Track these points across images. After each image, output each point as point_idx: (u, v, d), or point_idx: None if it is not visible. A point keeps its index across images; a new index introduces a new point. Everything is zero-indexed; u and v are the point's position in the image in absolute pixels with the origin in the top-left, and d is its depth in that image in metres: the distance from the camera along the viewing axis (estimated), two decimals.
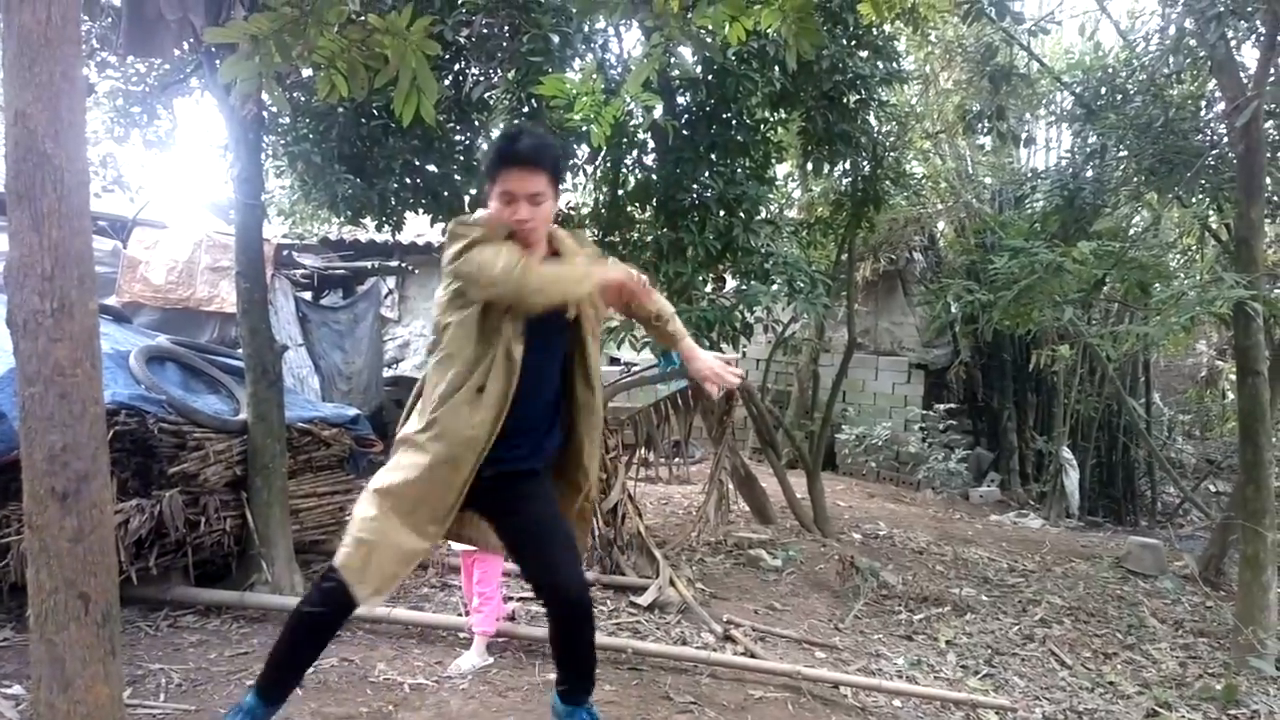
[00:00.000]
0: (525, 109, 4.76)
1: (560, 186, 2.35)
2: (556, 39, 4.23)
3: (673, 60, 4.61)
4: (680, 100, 4.90)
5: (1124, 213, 8.05)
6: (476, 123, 5.24)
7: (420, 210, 5.18)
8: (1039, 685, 3.94)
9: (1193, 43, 5.62)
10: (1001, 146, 8.62)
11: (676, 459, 6.65)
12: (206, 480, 3.63)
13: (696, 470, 7.71)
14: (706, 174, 4.73)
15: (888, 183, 6.14)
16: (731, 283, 5.26)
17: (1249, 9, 4.97)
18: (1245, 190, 4.93)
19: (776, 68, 4.74)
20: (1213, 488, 9.98)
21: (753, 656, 3.54)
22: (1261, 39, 5.05)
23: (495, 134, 6.00)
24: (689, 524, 5.70)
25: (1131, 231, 8.02)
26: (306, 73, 4.49)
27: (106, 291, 5.94)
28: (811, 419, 9.81)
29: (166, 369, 4.07)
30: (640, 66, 2.98)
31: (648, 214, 5.21)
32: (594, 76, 3.81)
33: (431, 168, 5.03)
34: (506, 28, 4.39)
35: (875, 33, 5.43)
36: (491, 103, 5.02)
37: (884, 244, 9.91)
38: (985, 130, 7.15)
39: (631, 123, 4.72)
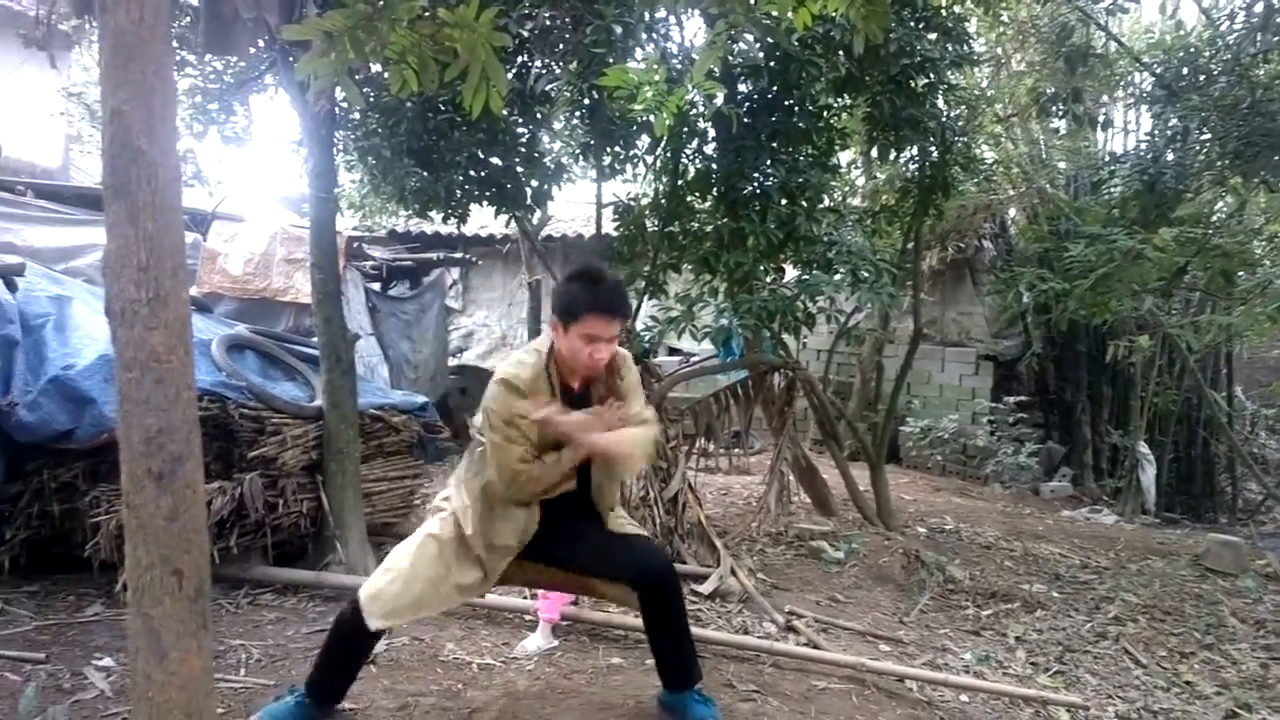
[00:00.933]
0: (587, 100, 4.78)
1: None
2: (619, 30, 4.24)
3: (735, 47, 4.58)
4: (742, 88, 4.86)
5: (1207, 198, 7.73)
6: (539, 115, 5.29)
7: (484, 203, 5.26)
8: (1112, 684, 3.84)
9: None
10: (1077, 130, 8.34)
11: (736, 449, 6.64)
12: (284, 464, 3.77)
13: (756, 461, 7.67)
14: (768, 162, 4.68)
15: (957, 169, 5.99)
16: (793, 272, 5.20)
17: None
18: None
19: (841, 52, 4.66)
20: None
21: (815, 648, 3.53)
22: None
23: (557, 127, 6.08)
24: (749, 514, 5.68)
25: (1215, 218, 7.70)
26: (375, 68, 4.60)
27: (188, 283, 6.17)
28: (875, 411, 9.66)
29: (246, 357, 4.23)
30: (704, 55, 2.96)
31: (708, 203, 5.18)
32: (656, 67, 3.80)
33: (496, 161, 5.10)
34: (569, 20, 4.42)
35: (945, 14, 5.29)
36: (554, 95, 5.06)
37: (952, 232, 9.68)
38: (1060, 113, 6.93)
39: (693, 112, 4.70)
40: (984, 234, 10.36)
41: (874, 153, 6.06)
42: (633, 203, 5.24)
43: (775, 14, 2.75)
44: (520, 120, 5.16)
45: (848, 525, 5.91)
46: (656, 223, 5.18)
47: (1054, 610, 4.75)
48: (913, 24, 5.08)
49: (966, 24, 5.81)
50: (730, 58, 4.58)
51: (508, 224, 7.26)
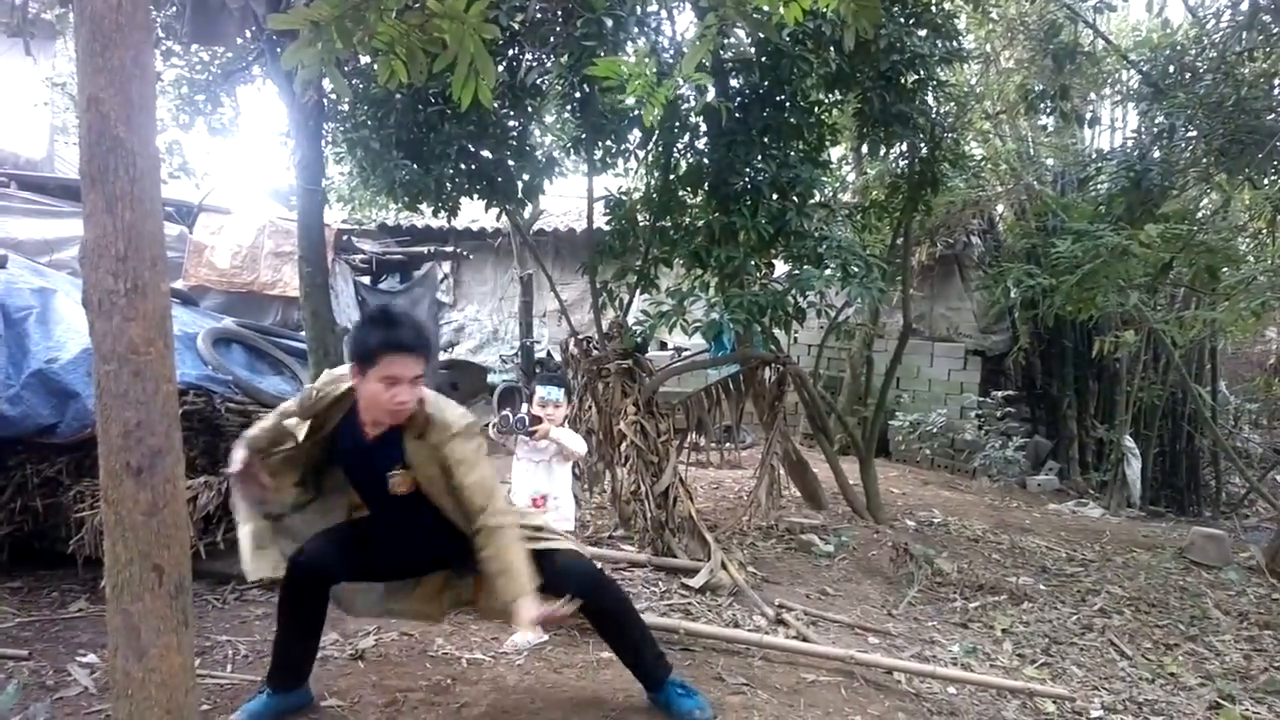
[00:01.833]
0: (578, 94, 4.76)
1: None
2: (610, 23, 4.21)
3: (726, 42, 4.56)
4: (733, 83, 4.85)
5: (1192, 195, 7.77)
6: (530, 108, 5.26)
7: (475, 196, 5.22)
8: (1098, 675, 3.86)
9: (1266, 18, 5.38)
10: (1065, 127, 8.38)
11: (727, 444, 6.65)
12: None
13: (747, 455, 7.68)
14: (759, 157, 4.68)
15: (946, 165, 6.00)
16: (783, 267, 5.20)
17: None
18: None
19: (832, 48, 4.66)
20: None
21: (805, 640, 3.53)
22: None
23: (548, 121, 6.05)
24: (740, 508, 5.69)
25: (1200, 214, 7.74)
26: (364, 60, 4.56)
27: (173, 275, 6.11)
28: (865, 405, 9.68)
29: (232, 350, 4.20)
30: (695, 48, 2.95)
31: (699, 198, 5.17)
32: (647, 60, 3.79)
33: (486, 154, 5.07)
34: (560, 12, 4.39)
35: (935, 10, 5.30)
36: (544, 88, 5.03)
37: (941, 228, 9.69)
38: (1048, 110, 6.95)
39: (684, 106, 4.69)
40: (972, 230, 10.39)
41: (864, 148, 6.08)
42: (624, 197, 5.22)
43: (766, 8, 2.75)
44: (511, 113, 5.13)
45: (838, 519, 5.93)
46: (648, 217, 5.17)
47: (1040, 603, 4.77)
48: (903, 20, 5.08)
49: (956, 20, 5.83)
50: (721, 52, 4.57)
51: (499, 218, 7.23)
